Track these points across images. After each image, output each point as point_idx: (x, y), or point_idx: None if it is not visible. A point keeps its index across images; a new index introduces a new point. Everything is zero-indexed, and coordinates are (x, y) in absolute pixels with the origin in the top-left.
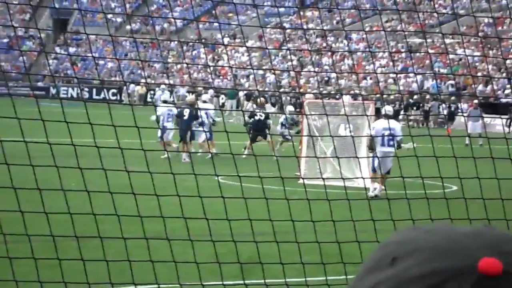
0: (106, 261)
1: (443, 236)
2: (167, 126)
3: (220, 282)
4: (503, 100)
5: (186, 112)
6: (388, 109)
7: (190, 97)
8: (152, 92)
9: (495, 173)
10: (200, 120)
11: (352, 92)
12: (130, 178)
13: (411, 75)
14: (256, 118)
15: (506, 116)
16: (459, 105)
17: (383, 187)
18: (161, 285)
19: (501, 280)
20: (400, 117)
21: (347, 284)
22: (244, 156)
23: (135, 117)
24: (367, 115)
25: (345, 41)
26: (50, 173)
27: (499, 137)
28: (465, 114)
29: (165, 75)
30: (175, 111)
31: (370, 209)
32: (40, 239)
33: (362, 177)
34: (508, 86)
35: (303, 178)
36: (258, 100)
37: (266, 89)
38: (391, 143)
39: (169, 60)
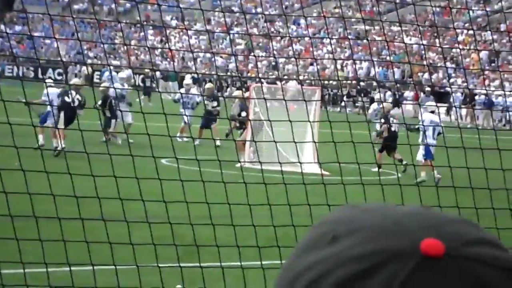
0: (41, 240)
1: (383, 215)
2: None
3: (156, 265)
4: (448, 89)
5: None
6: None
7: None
8: (98, 72)
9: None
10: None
11: (299, 77)
12: (66, 158)
13: (358, 61)
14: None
15: (446, 104)
16: (404, 93)
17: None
18: (96, 266)
19: (443, 262)
20: (343, 104)
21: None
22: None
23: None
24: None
25: (293, 26)
26: None
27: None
28: (418, 102)
29: (111, 56)
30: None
31: (306, 193)
32: None
33: (299, 162)
34: (453, 75)
35: (240, 162)
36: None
37: (213, 72)
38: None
39: (116, 41)
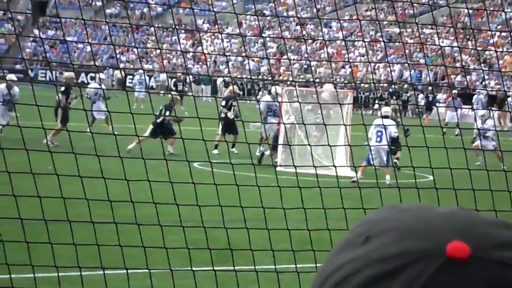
0: (75, 244)
1: (417, 216)
2: None
3: (189, 268)
4: (481, 92)
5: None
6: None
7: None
8: (130, 76)
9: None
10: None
11: (332, 80)
12: (100, 162)
13: (390, 64)
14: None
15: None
16: (437, 95)
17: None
18: (129, 270)
19: (468, 264)
20: (375, 106)
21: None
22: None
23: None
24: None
25: (325, 29)
26: (21, 156)
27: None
28: (445, 104)
29: (144, 59)
30: None
31: (341, 197)
32: (8, 222)
33: (334, 165)
34: (486, 77)
35: (274, 166)
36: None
37: (245, 76)
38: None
39: (149, 45)
